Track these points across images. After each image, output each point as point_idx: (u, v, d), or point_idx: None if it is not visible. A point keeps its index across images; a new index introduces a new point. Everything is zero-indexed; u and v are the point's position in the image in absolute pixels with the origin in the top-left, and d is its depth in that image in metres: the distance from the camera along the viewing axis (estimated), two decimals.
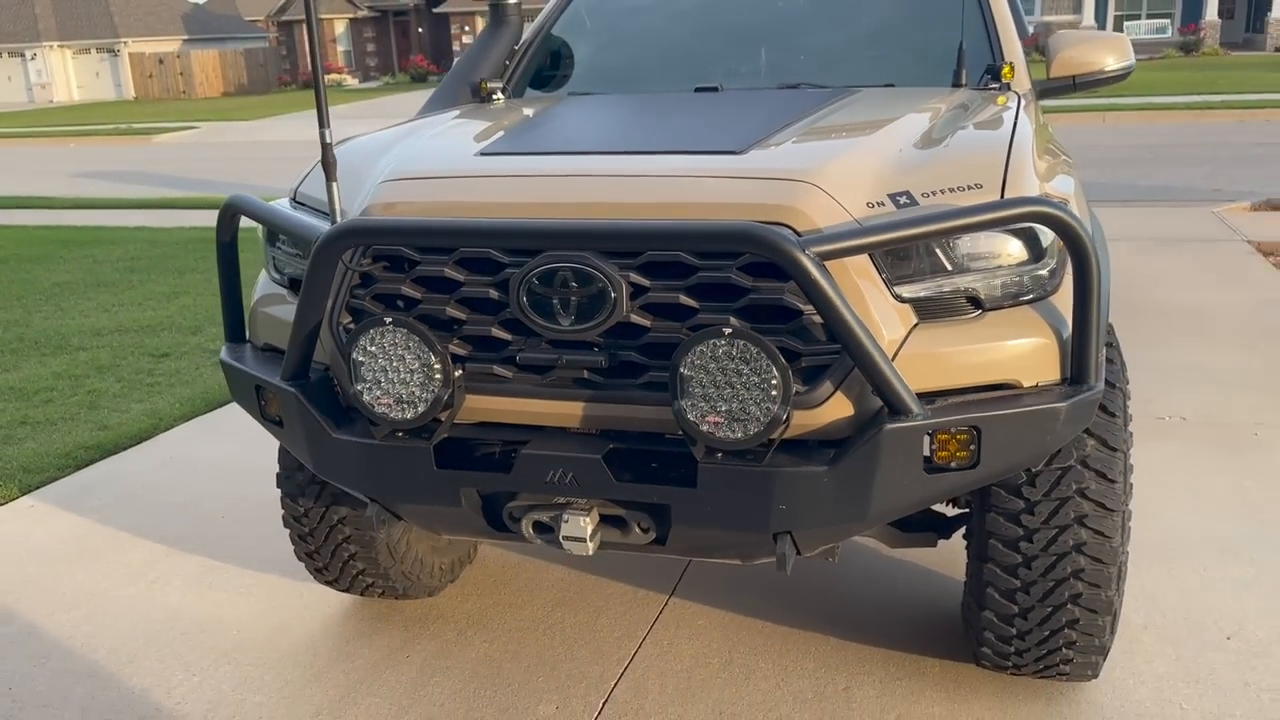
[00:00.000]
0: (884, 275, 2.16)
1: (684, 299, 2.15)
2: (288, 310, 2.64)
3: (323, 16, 45.85)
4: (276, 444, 4.78)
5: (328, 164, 2.35)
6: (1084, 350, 2.17)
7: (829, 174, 2.22)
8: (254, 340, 2.80)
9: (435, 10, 44.15)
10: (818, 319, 2.09)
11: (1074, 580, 2.50)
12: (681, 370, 2.07)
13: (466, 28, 42.36)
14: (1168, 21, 35.67)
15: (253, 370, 2.61)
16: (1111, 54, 3.50)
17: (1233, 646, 3.05)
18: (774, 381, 2.03)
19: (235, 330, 2.82)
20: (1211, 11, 33.84)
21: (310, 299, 2.32)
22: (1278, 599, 3.29)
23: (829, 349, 2.12)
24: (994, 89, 3.24)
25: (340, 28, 46.85)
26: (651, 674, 3.04)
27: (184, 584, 3.68)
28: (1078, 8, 35.49)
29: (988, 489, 2.52)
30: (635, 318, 2.18)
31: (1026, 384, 2.20)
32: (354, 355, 2.26)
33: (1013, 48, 3.41)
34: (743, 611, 3.35)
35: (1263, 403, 4.96)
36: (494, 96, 3.66)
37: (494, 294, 2.25)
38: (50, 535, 4.10)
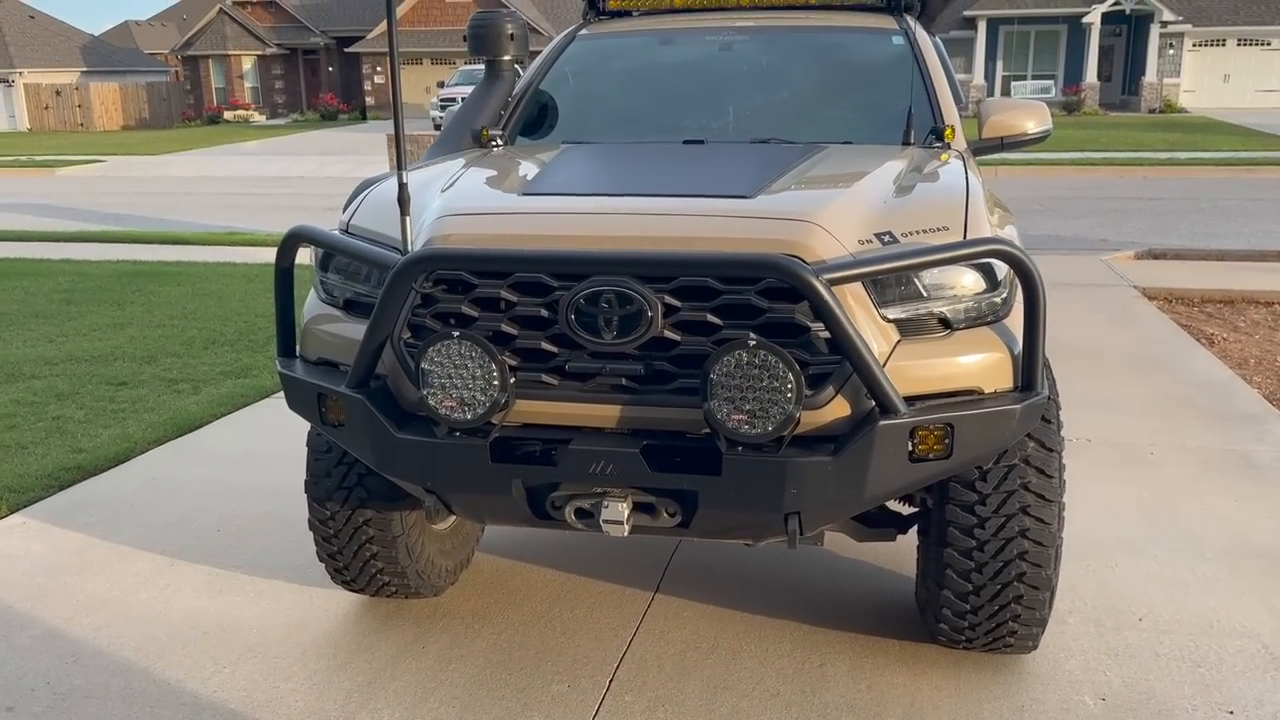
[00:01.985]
0: (873, 299, 2.62)
1: (710, 317, 2.57)
2: (342, 327, 2.98)
3: (230, 52, 45.49)
4: (258, 466, 5.06)
5: (403, 201, 2.70)
6: (1032, 363, 2.66)
7: (828, 216, 2.67)
8: (305, 355, 3.11)
9: (347, 50, 44.17)
10: (823, 334, 2.54)
11: (1019, 561, 2.97)
12: (712, 376, 2.48)
13: (379, 68, 42.49)
14: (1051, 83, 37.92)
15: (315, 380, 2.92)
16: (1033, 119, 4.07)
17: (1144, 626, 3.57)
18: (789, 386, 2.46)
19: (288, 346, 3.12)
20: (1091, 74, 36.15)
21: (382, 317, 2.67)
22: (1179, 588, 3.83)
23: (830, 359, 2.56)
24: (938, 148, 3.76)
25: (248, 64, 46.47)
26: (649, 657, 3.41)
27: (194, 590, 3.91)
28: (968, 67, 37.49)
29: (946, 485, 2.98)
30: (667, 333, 2.59)
31: (987, 390, 2.68)
32: (423, 364, 2.61)
33: (952, 113, 3.95)
34: (723, 604, 3.74)
35: (1156, 426, 5.59)
36: (493, 144, 4.04)
37: (544, 312, 2.63)
38: (50, 549, 4.26)
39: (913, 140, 3.77)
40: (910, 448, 2.57)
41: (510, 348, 2.68)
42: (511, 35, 4.22)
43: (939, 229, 2.73)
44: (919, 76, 4.03)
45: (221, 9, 46.37)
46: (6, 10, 48.92)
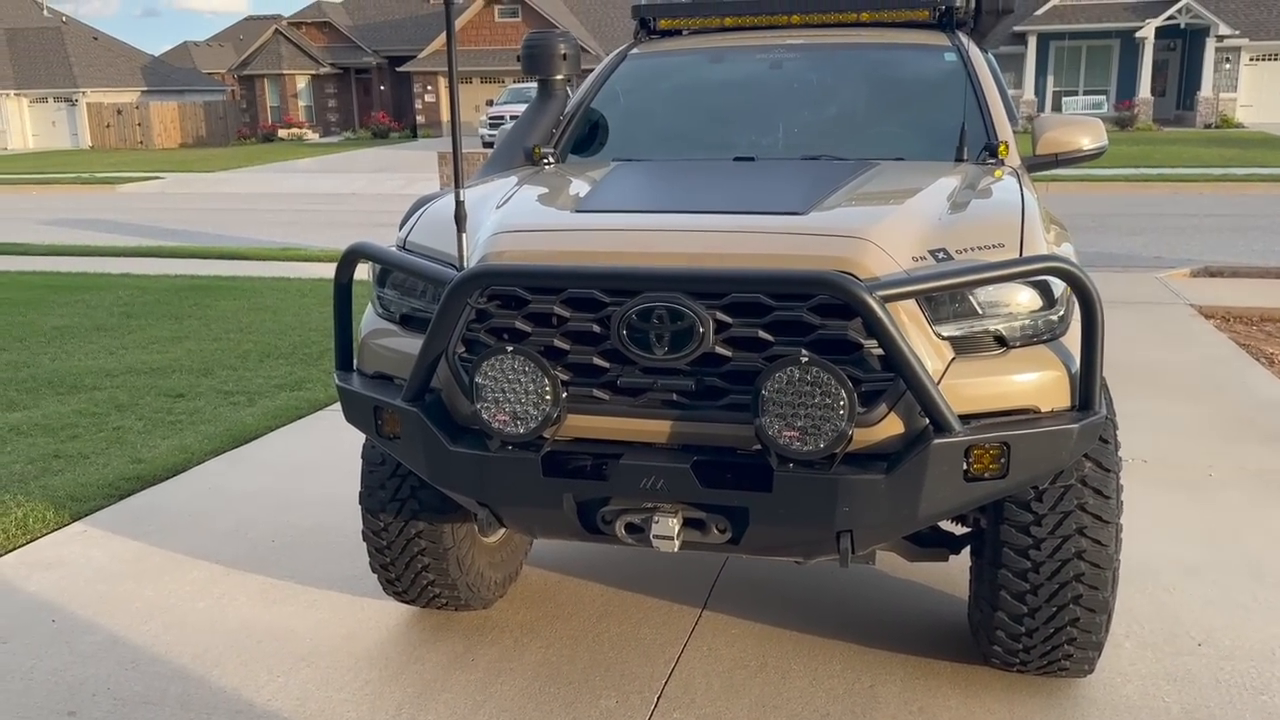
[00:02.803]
0: (927, 316, 2.60)
1: (761, 333, 2.57)
2: (398, 342, 3.02)
3: (285, 72, 46.34)
4: (311, 478, 5.14)
5: (460, 219, 2.75)
6: (1090, 382, 2.63)
7: (881, 233, 2.67)
8: (362, 369, 3.16)
9: (398, 69, 44.82)
10: (876, 351, 2.53)
11: (1076, 583, 2.93)
12: (764, 392, 2.48)
13: (429, 87, 43.05)
14: (1104, 98, 37.46)
15: (372, 394, 2.97)
16: (1088, 136, 4.03)
17: (1204, 652, 3.49)
18: (842, 403, 2.45)
19: (345, 360, 3.18)
20: (1145, 89, 35.66)
21: (438, 332, 2.70)
22: (1239, 612, 3.74)
23: (884, 376, 2.55)
24: (991, 164, 3.74)
25: (302, 83, 47.32)
26: (697, 674, 3.40)
27: (249, 600, 3.97)
28: (1018, 83, 37.16)
29: (1000, 505, 2.95)
30: (719, 349, 2.60)
31: (1044, 409, 2.65)
32: (477, 378, 2.64)
33: (1005, 129, 3.92)
34: (770, 622, 3.73)
35: (1214, 447, 5.48)
36: (544, 161, 4.08)
37: (596, 328, 2.65)
38: (110, 556, 4.36)
39: (966, 157, 3.74)
40: (965, 467, 2.55)
41: (562, 363, 2.70)
42: (564, 55, 4.27)
43: (994, 246, 2.71)
44: (971, 92, 4.01)
45: (277, 30, 47.30)
46: (71, 32, 50.40)
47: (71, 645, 3.64)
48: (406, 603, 3.70)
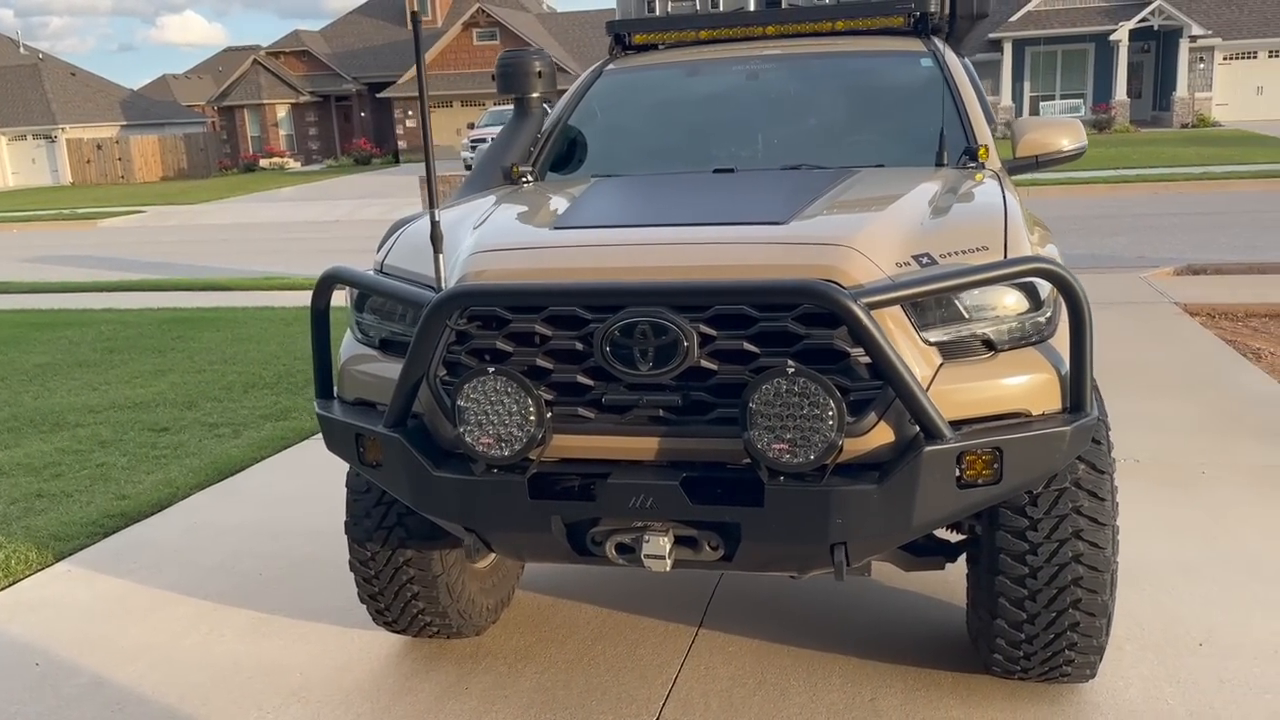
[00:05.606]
0: (913, 322, 2.57)
1: (747, 345, 2.53)
2: (378, 367, 2.97)
3: (265, 101, 46.33)
4: (298, 509, 5.07)
5: (435, 239, 2.70)
6: (1080, 383, 2.60)
7: (863, 240, 2.63)
8: (343, 395, 3.11)
9: (378, 95, 44.85)
10: (863, 360, 2.49)
11: (1074, 587, 2.89)
12: (751, 405, 2.44)
13: (410, 112, 43.08)
14: (1081, 101, 37.70)
15: (353, 420, 2.92)
16: (1067, 136, 4.01)
17: (1205, 652, 3.45)
18: (831, 413, 2.41)
19: (325, 387, 3.12)
20: (1121, 92, 35.91)
21: (418, 355, 2.66)
22: (1239, 611, 3.71)
23: (872, 385, 2.51)
24: (972, 168, 3.71)
25: (282, 112, 47.31)
26: (695, 694, 3.35)
27: (237, 635, 3.90)
28: (995, 89, 37.37)
29: (996, 511, 2.91)
30: (704, 362, 2.55)
31: (1035, 412, 2.61)
32: (459, 401, 2.59)
33: (984, 132, 3.90)
34: (767, 637, 3.67)
35: (1206, 445, 5.46)
36: (523, 180, 4.04)
37: (579, 346, 2.61)
38: (95, 596, 4.28)
39: (946, 161, 3.72)
40: (958, 473, 2.51)
41: (546, 382, 2.65)
42: (539, 73, 4.25)
43: (978, 249, 2.68)
44: (949, 97, 4.00)
45: (255, 60, 47.33)
46: (49, 69, 50.31)
47: (56, 689, 3.56)
48: (397, 633, 3.63)
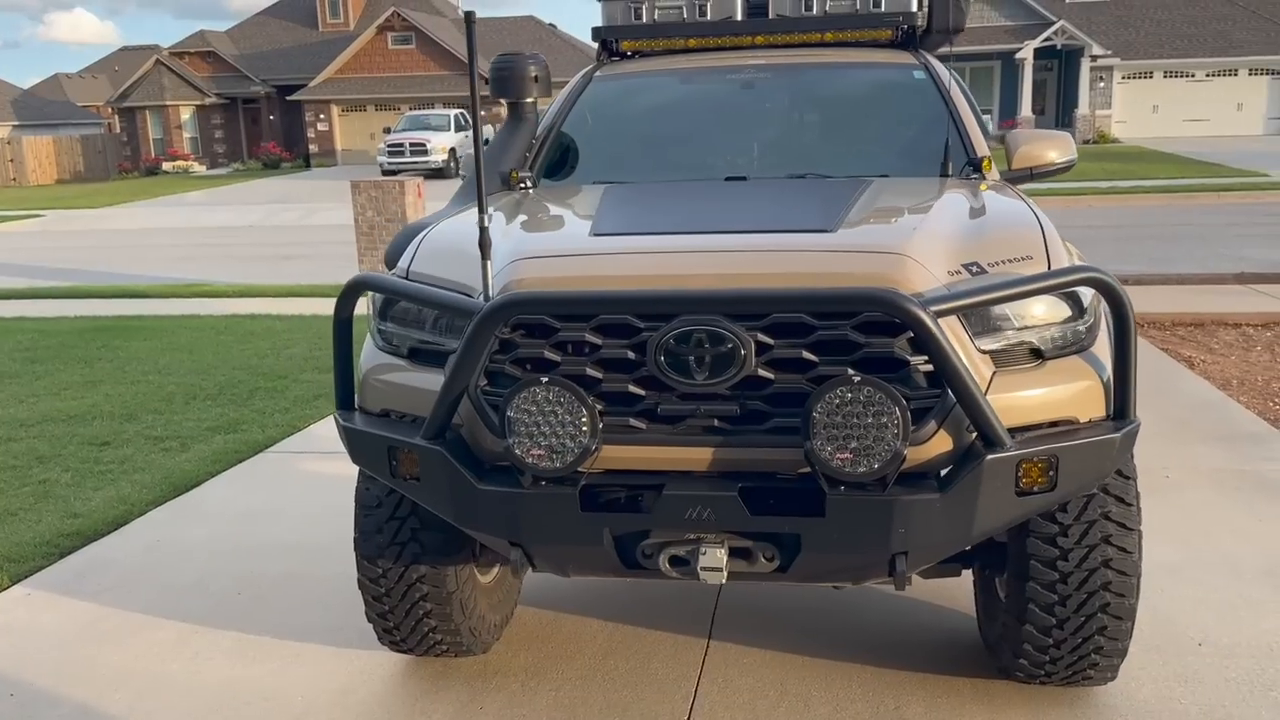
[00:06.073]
0: (968, 331, 2.58)
1: (805, 354, 2.50)
2: (407, 377, 2.87)
3: (169, 103, 44.85)
4: (267, 524, 4.87)
5: (484, 245, 2.61)
6: (1125, 390, 2.64)
7: (916, 248, 2.64)
8: (365, 407, 2.98)
9: (288, 98, 43.80)
10: (923, 368, 2.49)
11: (1104, 592, 2.93)
12: (814, 414, 2.41)
13: (322, 115, 42.19)
14: (989, 118, 38.75)
15: (385, 433, 2.80)
16: (1058, 150, 4.09)
17: (1205, 651, 3.55)
18: (896, 422, 2.40)
19: (347, 398, 3.00)
20: (1026, 108, 37.12)
21: (465, 364, 2.56)
22: (1228, 611, 3.82)
23: (930, 393, 2.51)
24: (976, 179, 3.76)
25: (186, 114, 45.84)
26: (719, 708, 3.30)
27: (226, 658, 3.72)
28: None
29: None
30: (761, 371, 2.52)
31: (1082, 420, 2.65)
32: (509, 412, 2.51)
33: (982, 144, 3.96)
34: (780, 648, 3.65)
35: (1164, 450, 5.63)
36: (521, 186, 3.95)
37: (631, 354, 2.55)
38: (62, 620, 4.04)
39: (951, 172, 3.76)
40: (1016, 481, 2.53)
41: (595, 392, 2.59)
42: (535, 77, 4.17)
43: (1023, 258, 2.70)
44: (945, 109, 4.05)
45: (158, 60, 45.78)
46: None
47: None
48: (403, 652, 3.51)
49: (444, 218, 3.45)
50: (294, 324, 10.35)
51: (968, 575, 3.44)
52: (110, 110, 49.57)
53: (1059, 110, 38.65)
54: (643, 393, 2.58)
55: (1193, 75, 37.65)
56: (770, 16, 4.64)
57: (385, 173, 30.19)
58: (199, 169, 44.26)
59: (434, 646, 3.44)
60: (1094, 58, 36.55)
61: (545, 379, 2.49)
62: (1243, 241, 14.01)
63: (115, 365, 8.68)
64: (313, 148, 42.78)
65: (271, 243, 19.23)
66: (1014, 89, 36.86)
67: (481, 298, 2.64)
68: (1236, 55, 37.01)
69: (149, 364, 8.67)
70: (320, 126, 42.36)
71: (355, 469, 5.43)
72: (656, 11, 4.65)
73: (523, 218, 3.23)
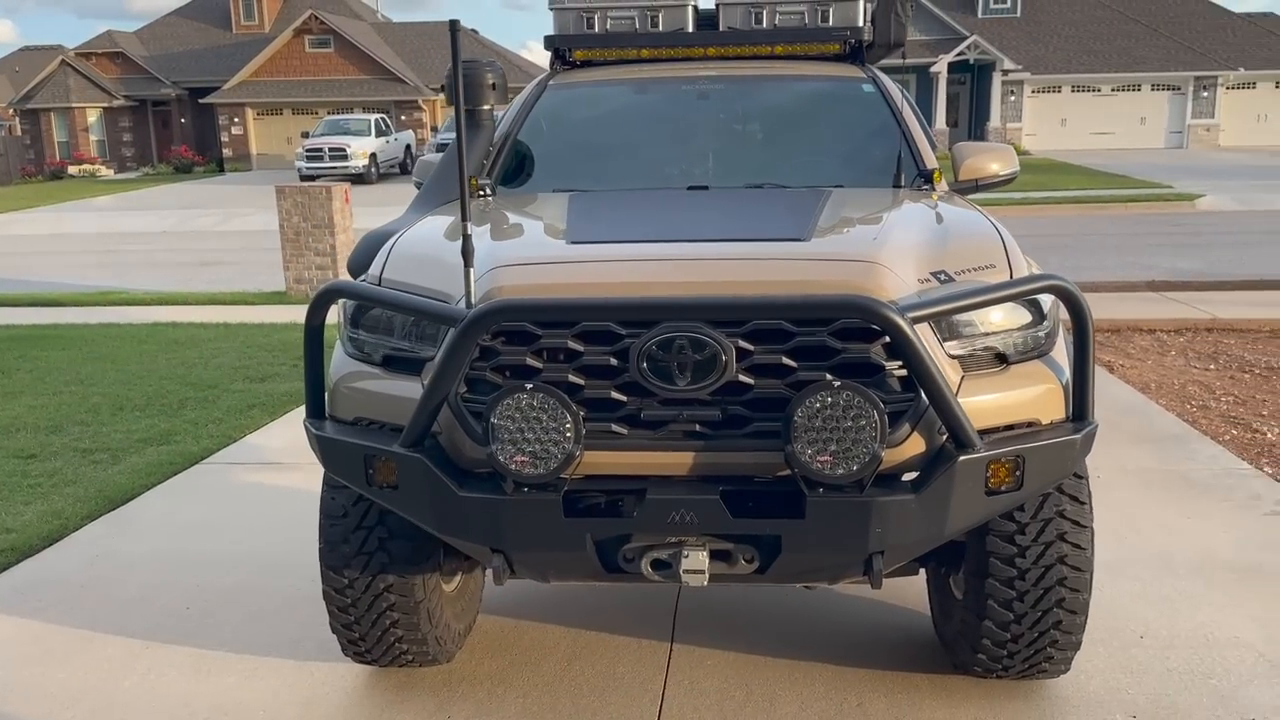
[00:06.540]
0: (938, 337, 2.67)
1: (785, 360, 2.57)
2: (381, 384, 2.86)
3: (75, 105, 43.37)
4: (211, 536, 4.77)
5: (467, 253, 2.61)
6: (1084, 393, 2.76)
7: (888, 256, 2.72)
8: (337, 415, 2.95)
9: (201, 101, 42.72)
10: (898, 373, 2.57)
11: (1060, 587, 3.05)
12: (795, 418, 2.47)
13: (236, 119, 41.25)
14: None
15: (361, 440, 2.78)
16: (999, 162, 4.24)
17: (1147, 644, 3.70)
18: (874, 425, 2.47)
19: (318, 407, 2.96)
20: (941, 121, 38.06)
21: (447, 372, 2.56)
22: (1165, 605, 3.99)
23: (904, 397, 2.59)
24: (927, 189, 3.88)
25: (93, 116, 44.39)
26: (687, 709, 3.34)
27: (180, 674, 3.64)
28: None
29: None
30: (742, 377, 2.57)
31: (1044, 421, 2.76)
32: (493, 419, 2.51)
33: (931, 157, 4.09)
34: (742, 649, 3.71)
35: (1095, 451, 5.71)
36: (481, 194, 3.95)
37: (614, 361, 2.58)
38: (3, 638, 3.90)
39: (903, 183, 3.87)
40: (986, 482, 2.62)
41: (577, 398, 2.61)
42: (493, 85, 4.16)
43: (987, 267, 2.81)
44: (895, 122, 4.16)
45: (64, 61, 44.26)
46: None
47: None
48: (368, 663, 3.47)
49: (409, 224, 3.44)
50: (220, 332, 10.12)
51: (922, 574, 3.55)
52: (12, 112, 47.71)
53: (972, 123, 39.72)
54: (625, 399, 2.61)
55: (1099, 90, 39.06)
56: (721, 29, 4.71)
57: (304, 178, 29.67)
58: (107, 173, 42.89)
59: (400, 656, 3.41)
60: (1005, 72, 37.66)
61: (530, 385, 2.50)
62: (1151, 251, 14.58)
63: (34, 376, 8.39)
64: (227, 152, 41.78)
65: (189, 249, 18.73)
66: (929, 102, 37.74)
67: (463, 304, 2.65)
68: (1140, 71, 38.53)
69: (70, 374, 8.39)
70: (235, 130, 41.41)
71: (298, 480, 5.38)
72: (609, 21, 4.69)
73: (493, 225, 3.24)
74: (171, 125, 46.03)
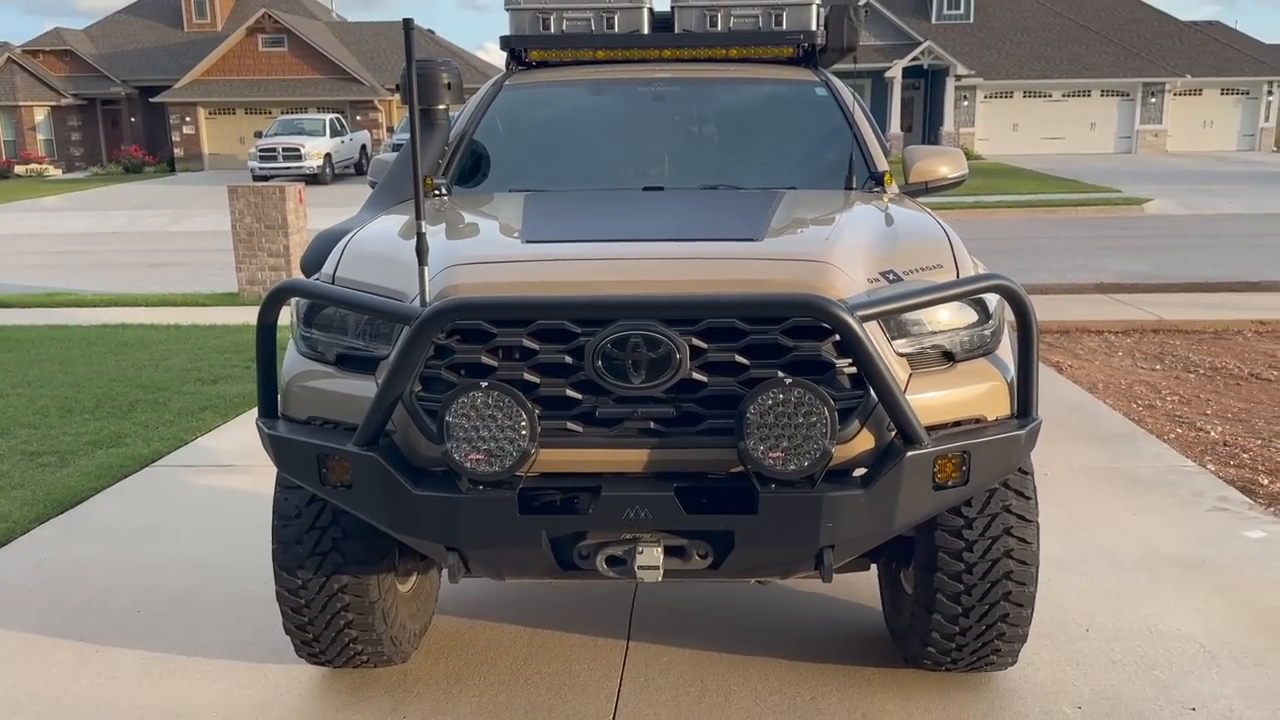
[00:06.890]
0: (887, 335, 2.72)
1: (738, 358, 2.60)
2: (334, 383, 2.85)
3: (21, 103, 42.52)
4: (163, 540, 4.72)
5: (421, 251, 2.61)
6: (1028, 390, 2.82)
7: (839, 256, 2.77)
8: (290, 414, 2.94)
9: (151, 100, 42.07)
10: (848, 370, 2.61)
11: (1006, 581, 3.11)
12: (748, 415, 2.51)
13: (187, 118, 40.67)
14: None
15: (314, 440, 2.77)
16: (948, 165, 4.31)
17: (1092, 636, 3.79)
18: (824, 422, 2.51)
19: (271, 406, 2.95)
20: (895, 125, 38.51)
21: (402, 370, 2.56)
22: (1111, 599, 4.08)
23: (854, 394, 2.63)
24: (878, 191, 3.95)
25: (40, 115, 43.54)
26: (643, 705, 3.37)
27: (131, 676, 3.60)
28: None
29: None
30: (696, 375, 2.60)
31: (990, 418, 2.82)
32: (448, 417, 2.52)
33: (882, 160, 4.15)
34: (698, 645, 3.74)
35: (1042, 449, 5.85)
36: (437, 193, 3.95)
37: (569, 359, 2.60)
38: None
39: (855, 185, 3.93)
40: (933, 477, 2.67)
41: (532, 396, 2.62)
42: (448, 84, 4.16)
43: (934, 267, 2.87)
44: (847, 125, 4.22)
45: (10, 58, 43.36)
46: None
47: None
48: (322, 664, 3.46)
49: (363, 223, 3.43)
50: (170, 334, 9.99)
51: (873, 569, 3.60)
52: None
53: (925, 127, 40.20)
54: (580, 396, 2.63)
55: (1050, 95, 39.73)
56: (676, 31, 4.75)
57: (257, 178, 29.32)
58: (54, 173, 42.10)
59: (355, 657, 3.40)
60: (958, 77, 38.19)
61: (485, 384, 2.52)
62: (1100, 254, 14.86)
63: None
64: (178, 151, 41.18)
65: (138, 250, 18.45)
66: (884, 107, 38.16)
67: (417, 303, 2.65)
68: (1089, 77, 39.25)
69: (16, 376, 8.24)
70: (186, 129, 40.83)
71: (250, 483, 5.34)
72: (565, 22, 4.71)
73: (448, 224, 3.25)
74: (121, 124, 45.27)
